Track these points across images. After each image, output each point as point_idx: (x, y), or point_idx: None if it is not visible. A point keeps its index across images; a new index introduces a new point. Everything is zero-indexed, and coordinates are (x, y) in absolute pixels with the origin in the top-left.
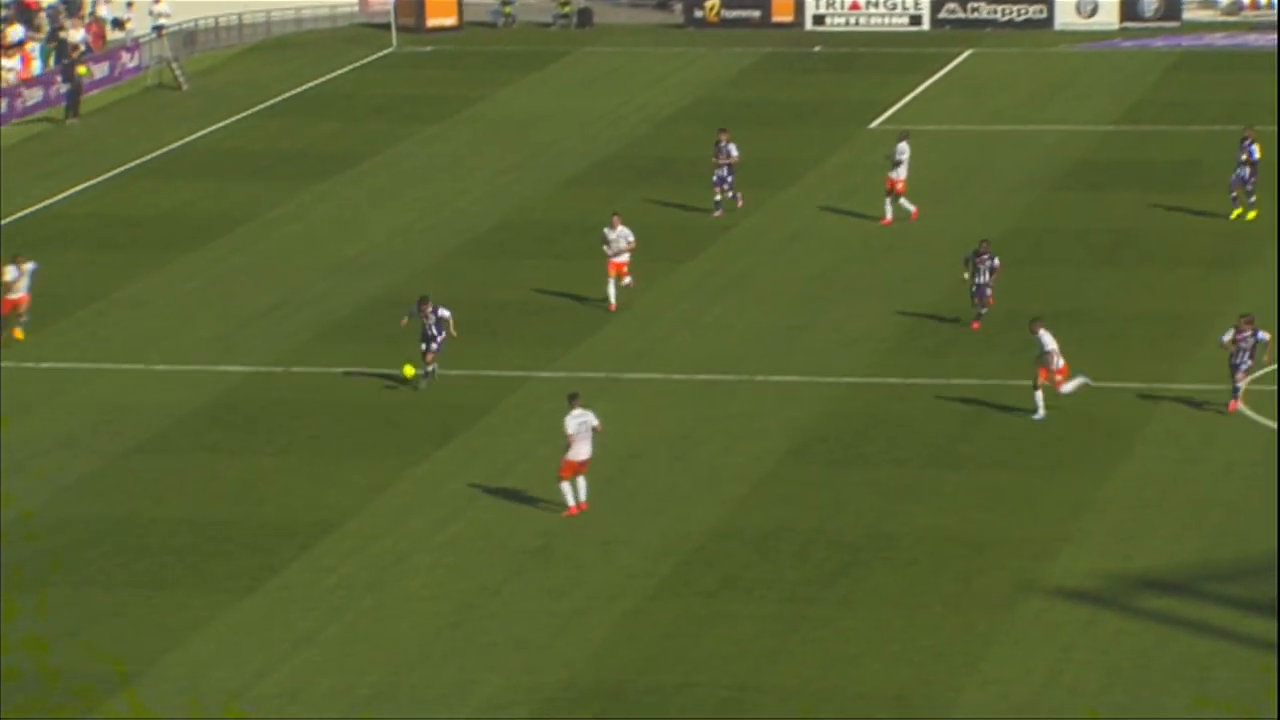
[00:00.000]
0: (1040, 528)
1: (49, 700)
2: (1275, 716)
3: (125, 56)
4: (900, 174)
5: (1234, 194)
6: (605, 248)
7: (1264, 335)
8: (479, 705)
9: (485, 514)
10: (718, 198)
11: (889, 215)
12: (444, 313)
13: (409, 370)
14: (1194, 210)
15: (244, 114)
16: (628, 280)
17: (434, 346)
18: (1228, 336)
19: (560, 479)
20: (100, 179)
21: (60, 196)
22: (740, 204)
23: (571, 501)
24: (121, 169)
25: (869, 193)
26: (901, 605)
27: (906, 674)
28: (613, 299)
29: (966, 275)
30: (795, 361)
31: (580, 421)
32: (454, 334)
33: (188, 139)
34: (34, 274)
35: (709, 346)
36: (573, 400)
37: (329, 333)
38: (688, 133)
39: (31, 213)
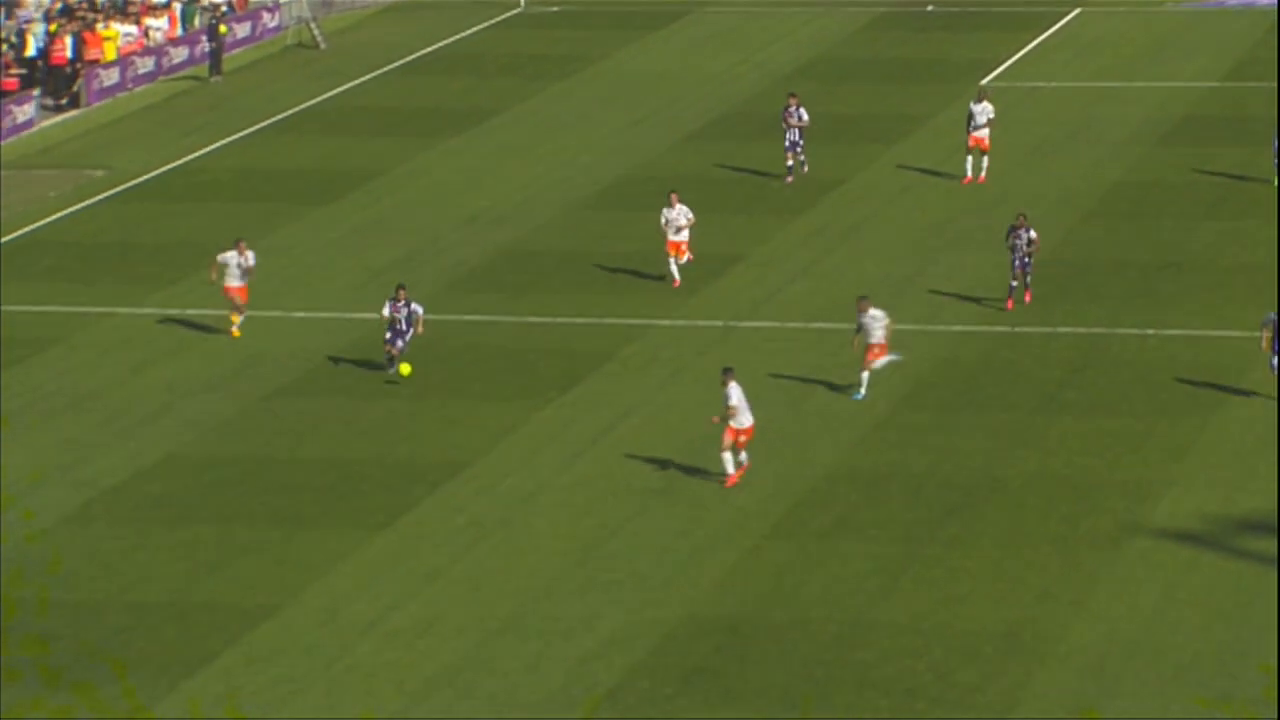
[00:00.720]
0: (1144, 471)
1: (196, 631)
2: (1275, 717)
3: (266, 16)
4: (983, 132)
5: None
6: (664, 227)
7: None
8: (602, 639)
9: (609, 455)
10: (790, 163)
11: (970, 174)
12: (416, 308)
13: (405, 369)
14: (1257, 201)
15: (378, 72)
16: (688, 257)
17: (400, 344)
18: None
19: (723, 448)
20: (242, 134)
21: (204, 151)
22: (805, 170)
23: (731, 470)
24: (262, 125)
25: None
26: (1010, 545)
27: (1015, 611)
28: (676, 276)
29: (1006, 240)
30: (908, 310)
31: (741, 392)
32: (420, 331)
33: (325, 96)
34: (250, 269)
35: (824, 296)
36: (727, 374)
37: (460, 282)
38: (804, 89)
39: (177, 166)
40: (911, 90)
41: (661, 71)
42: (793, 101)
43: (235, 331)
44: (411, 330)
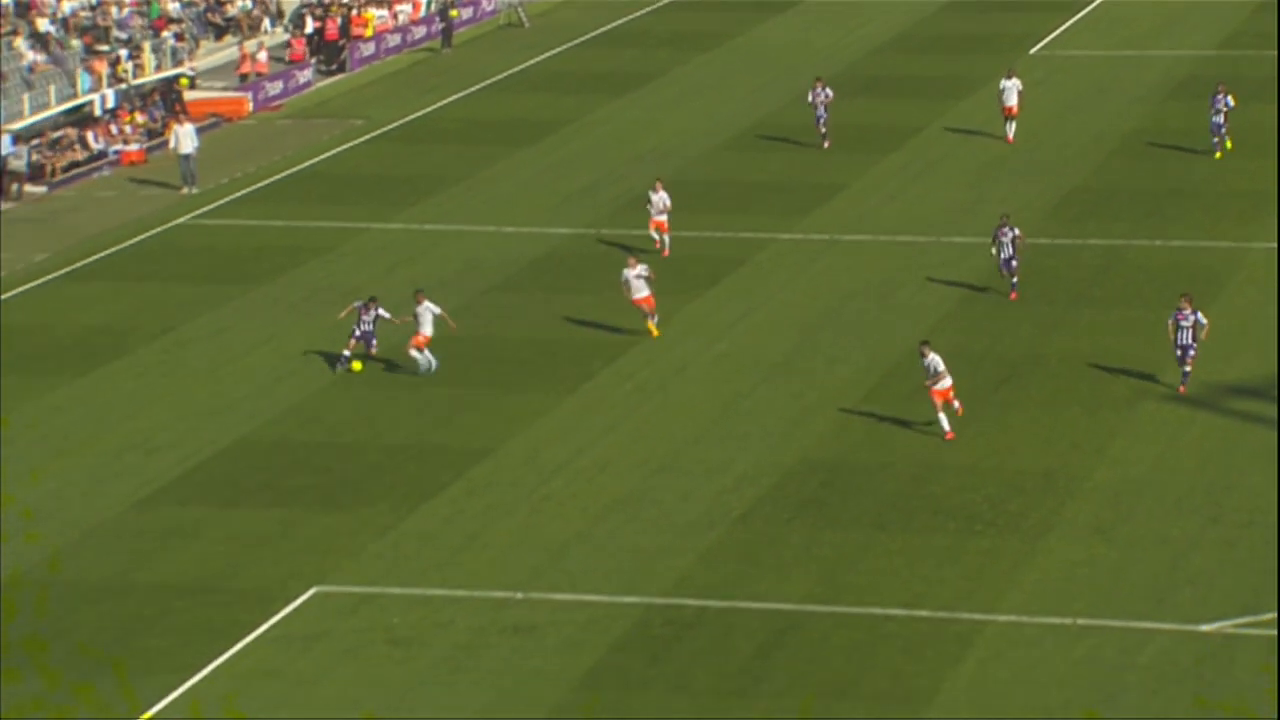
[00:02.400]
0: (1153, 350)
1: (431, 467)
2: (1275, 716)
3: (484, 2)
4: (1012, 101)
5: (1215, 139)
6: (649, 208)
7: (1203, 319)
8: (736, 477)
9: (742, 337)
10: (823, 131)
11: (1009, 135)
12: (384, 314)
13: (357, 365)
14: (1247, 142)
15: (569, 44)
16: (668, 237)
17: (368, 341)
18: (1171, 320)
19: (935, 408)
20: (466, 92)
21: (437, 105)
22: (827, 143)
23: (947, 427)
24: (481, 85)
25: (1028, 103)
26: (1048, 407)
27: (1052, 458)
28: (658, 243)
29: (994, 251)
30: (973, 225)
31: (939, 359)
32: (397, 322)
33: (529, 63)
34: (650, 278)
35: (908, 215)
36: (924, 347)
37: (629, 205)
38: (892, 59)
39: (417, 116)
40: (975, 58)
41: (783, 44)
42: (819, 84)
43: (654, 330)
44: (374, 338)
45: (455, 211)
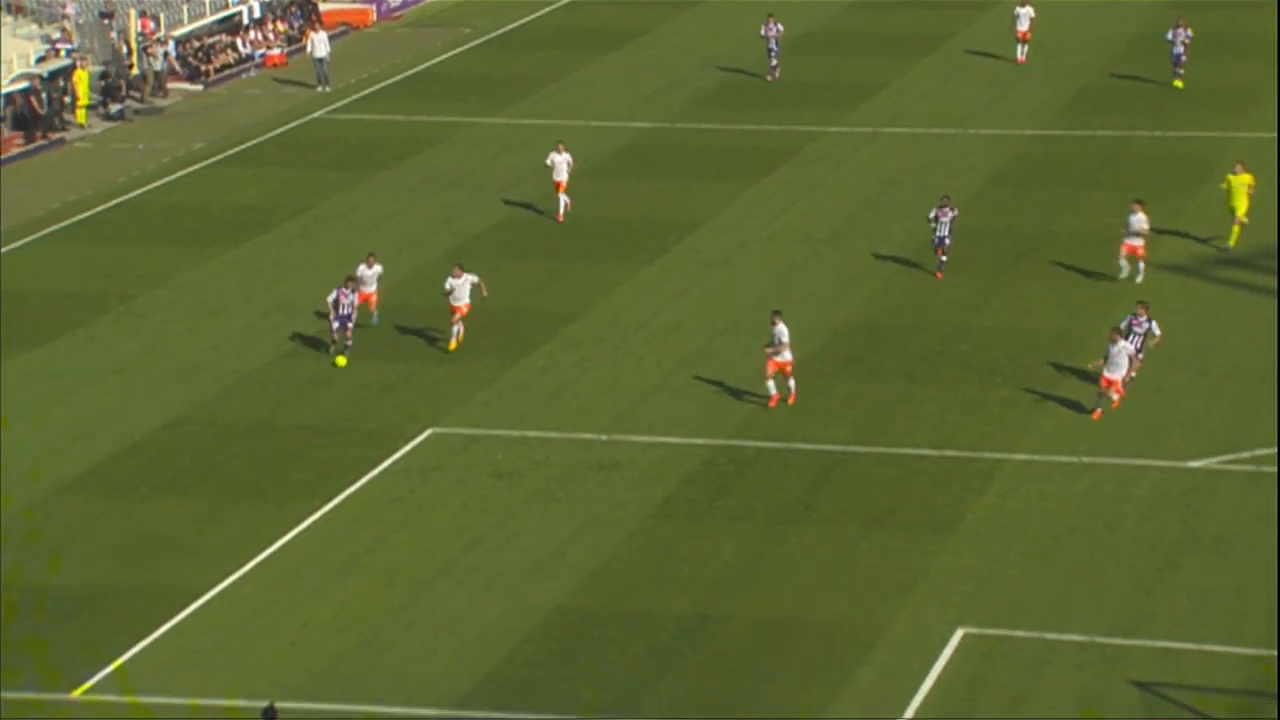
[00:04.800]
0: (1153, 224)
1: (528, 327)
2: (1275, 717)
3: None
4: (1024, 26)
5: (1176, 69)
6: (551, 168)
7: (1156, 329)
8: (801, 330)
9: (795, 217)
10: (773, 63)
11: (1020, 57)
12: (356, 299)
13: (342, 361)
14: (1236, 44)
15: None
16: (564, 199)
17: (348, 328)
18: (1124, 324)
19: (766, 374)
20: (558, 5)
21: (533, 16)
22: (778, 74)
23: (771, 392)
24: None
25: (1045, 11)
26: (1061, 277)
27: (1061, 320)
28: (561, 214)
29: (932, 228)
30: (991, 120)
31: (781, 331)
32: (374, 317)
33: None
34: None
35: (941, 111)
36: (775, 316)
37: (698, 103)
38: None
39: (516, 26)
40: None
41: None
42: (770, 19)
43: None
44: (354, 318)
45: (549, 108)
